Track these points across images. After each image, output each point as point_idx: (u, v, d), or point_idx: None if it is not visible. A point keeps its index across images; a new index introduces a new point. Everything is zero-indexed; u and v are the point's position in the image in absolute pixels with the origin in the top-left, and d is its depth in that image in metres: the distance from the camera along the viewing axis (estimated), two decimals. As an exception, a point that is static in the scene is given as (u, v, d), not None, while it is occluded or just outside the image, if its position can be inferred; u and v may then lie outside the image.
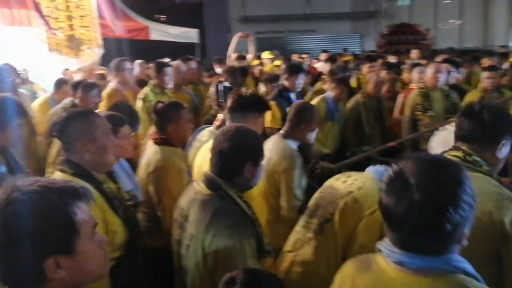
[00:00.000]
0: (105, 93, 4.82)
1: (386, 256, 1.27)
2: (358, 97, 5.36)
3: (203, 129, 3.51)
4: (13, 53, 7.67)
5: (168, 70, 4.92)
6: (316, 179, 3.27)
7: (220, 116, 4.38)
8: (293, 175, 2.87)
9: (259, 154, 1.98)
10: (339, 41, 18.25)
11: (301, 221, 2.31)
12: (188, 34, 12.56)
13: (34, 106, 5.28)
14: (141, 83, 5.58)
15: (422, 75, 5.27)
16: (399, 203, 1.18)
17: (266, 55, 9.63)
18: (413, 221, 1.17)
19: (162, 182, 2.68)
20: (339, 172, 3.60)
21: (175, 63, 5.43)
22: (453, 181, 1.19)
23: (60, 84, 5.53)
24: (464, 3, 18.00)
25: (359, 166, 2.70)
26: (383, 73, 5.98)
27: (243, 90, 3.47)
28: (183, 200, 2.03)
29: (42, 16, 7.86)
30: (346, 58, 9.92)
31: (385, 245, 1.28)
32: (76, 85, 4.52)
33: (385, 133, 5.37)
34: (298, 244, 2.25)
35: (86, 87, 4.28)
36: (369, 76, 5.75)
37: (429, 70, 4.98)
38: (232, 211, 1.85)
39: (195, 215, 1.89)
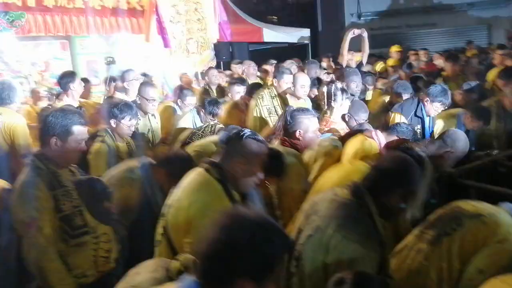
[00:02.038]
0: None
1: None
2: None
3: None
4: (138, 58, 8.33)
5: (287, 77, 4.93)
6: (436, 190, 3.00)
7: (327, 117, 4.25)
8: None
9: (408, 186, 2.02)
10: (462, 34, 16.84)
11: (415, 231, 2.22)
12: (300, 34, 12.52)
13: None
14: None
15: None
16: None
17: (395, 48, 9.48)
18: None
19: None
20: (460, 176, 3.26)
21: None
22: None
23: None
24: None
25: (484, 172, 2.38)
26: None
27: None
28: (319, 197, 2.16)
29: (160, 23, 8.33)
30: (470, 53, 9.12)
31: None
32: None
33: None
34: (404, 252, 2.15)
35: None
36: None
37: None
38: (366, 223, 1.93)
39: (329, 212, 1.99)
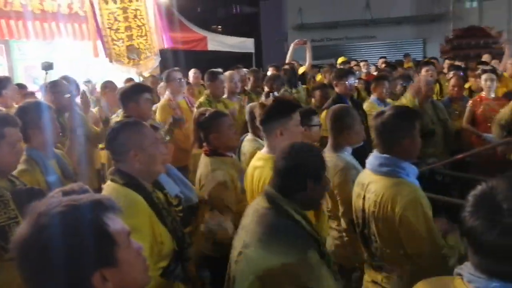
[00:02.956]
0: (159, 105, 4.99)
1: (468, 282, 1.19)
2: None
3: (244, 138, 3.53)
4: (78, 66, 8.00)
5: (222, 79, 4.92)
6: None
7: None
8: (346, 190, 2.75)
9: (318, 170, 1.95)
10: (399, 47, 17.53)
11: None
12: (245, 44, 12.60)
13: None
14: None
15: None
16: (489, 229, 1.11)
17: (341, 59, 9.82)
18: (507, 248, 1.10)
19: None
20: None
21: (228, 72, 5.40)
22: None
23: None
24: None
25: (421, 180, 2.37)
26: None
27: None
28: (248, 209, 2.06)
29: (99, 30, 8.09)
30: (406, 65, 9.46)
31: (467, 269, 1.20)
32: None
33: (450, 142, 4.93)
34: None
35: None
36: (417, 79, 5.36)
37: None
38: (289, 228, 1.85)
39: (251, 226, 1.92)
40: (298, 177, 1.91)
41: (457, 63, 8.83)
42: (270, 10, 18.11)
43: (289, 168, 1.92)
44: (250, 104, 3.71)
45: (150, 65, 8.73)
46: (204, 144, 3.02)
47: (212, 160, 2.89)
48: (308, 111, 3.38)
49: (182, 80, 5.23)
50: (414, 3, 17.83)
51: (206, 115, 3.03)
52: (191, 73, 7.62)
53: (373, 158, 2.35)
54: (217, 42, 12.15)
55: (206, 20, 15.43)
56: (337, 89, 4.62)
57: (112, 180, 2.09)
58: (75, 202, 1.11)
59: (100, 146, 4.71)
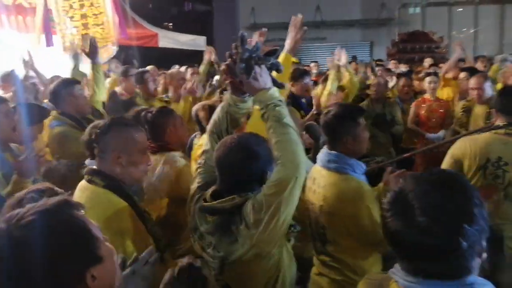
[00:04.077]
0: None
1: (403, 287, 1.19)
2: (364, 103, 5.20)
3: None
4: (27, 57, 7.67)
5: (148, 77, 4.85)
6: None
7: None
8: None
9: (259, 168, 1.86)
10: (349, 49, 17.97)
11: None
12: (196, 42, 12.51)
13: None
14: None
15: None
16: (408, 229, 1.13)
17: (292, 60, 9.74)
18: (428, 246, 1.11)
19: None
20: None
21: (174, 70, 5.41)
22: (461, 197, 1.13)
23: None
24: (479, 12, 17.65)
25: (371, 177, 2.48)
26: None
27: None
28: None
29: (46, 20, 7.76)
30: (354, 67, 9.76)
31: (400, 274, 1.20)
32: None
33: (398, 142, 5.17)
34: None
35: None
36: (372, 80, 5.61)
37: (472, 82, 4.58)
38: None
39: None
40: (248, 179, 1.84)
41: (402, 65, 9.22)
42: (223, 9, 18.06)
43: (234, 172, 1.84)
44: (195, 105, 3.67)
45: (105, 55, 8.46)
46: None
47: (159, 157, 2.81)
48: None
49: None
50: (363, 7, 18.36)
51: (155, 111, 2.97)
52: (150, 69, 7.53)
53: (323, 154, 2.45)
54: (169, 39, 12.03)
55: (158, 17, 15.19)
56: (293, 89, 4.70)
57: (89, 181, 1.99)
58: (46, 208, 1.06)
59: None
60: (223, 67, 1.96)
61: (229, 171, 1.82)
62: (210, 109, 2.95)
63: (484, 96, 4.41)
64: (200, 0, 19.34)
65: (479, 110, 4.52)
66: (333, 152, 2.38)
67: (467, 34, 17.41)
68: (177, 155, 2.89)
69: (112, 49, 8.70)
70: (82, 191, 1.99)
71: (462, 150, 2.91)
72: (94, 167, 2.05)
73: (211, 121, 2.08)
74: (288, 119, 1.83)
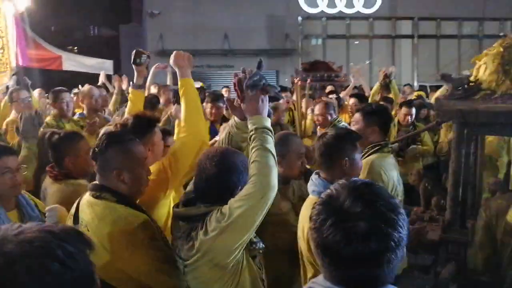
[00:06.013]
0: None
1: None
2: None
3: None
4: None
5: (67, 97, 4.62)
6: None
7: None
8: None
9: (240, 178, 1.98)
10: (256, 77, 18.58)
11: None
12: (104, 65, 12.23)
13: None
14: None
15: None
16: (343, 236, 1.11)
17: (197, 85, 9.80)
18: (361, 254, 1.11)
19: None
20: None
21: (86, 87, 5.21)
22: (386, 204, 1.15)
23: None
24: (373, 45, 19.43)
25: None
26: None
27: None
28: None
29: None
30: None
31: (324, 284, 1.19)
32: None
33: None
34: None
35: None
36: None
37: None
38: None
39: None
40: (229, 188, 1.95)
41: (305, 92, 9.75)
42: (130, 34, 17.89)
43: (217, 180, 1.94)
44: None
45: (1, 82, 7.96)
46: (50, 168, 2.74)
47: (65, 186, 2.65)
48: (164, 131, 3.13)
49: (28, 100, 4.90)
50: (269, 38, 19.26)
51: (61, 135, 2.82)
52: (36, 92, 7.30)
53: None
54: (74, 62, 11.71)
55: (62, 40, 14.63)
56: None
57: (98, 197, 1.99)
58: (52, 234, 0.94)
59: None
60: (234, 80, 2.14)
61: (206, 180, 1.93)
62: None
63: (327, 122, 4.62)
64: (106, 25, 18.97)
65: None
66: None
67: (363, 65, 18.99)
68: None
69: (8, 77, 8.23)
70: (91, 207, 1.99)
71: None
72: (97, 182, 2.06)
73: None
74: (271, 146, 1.93)
